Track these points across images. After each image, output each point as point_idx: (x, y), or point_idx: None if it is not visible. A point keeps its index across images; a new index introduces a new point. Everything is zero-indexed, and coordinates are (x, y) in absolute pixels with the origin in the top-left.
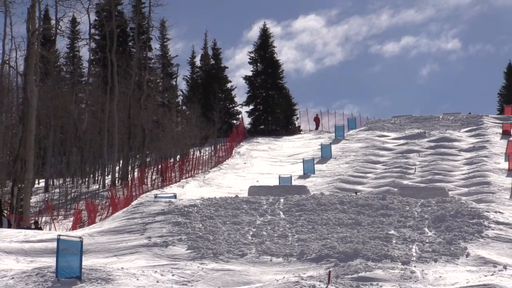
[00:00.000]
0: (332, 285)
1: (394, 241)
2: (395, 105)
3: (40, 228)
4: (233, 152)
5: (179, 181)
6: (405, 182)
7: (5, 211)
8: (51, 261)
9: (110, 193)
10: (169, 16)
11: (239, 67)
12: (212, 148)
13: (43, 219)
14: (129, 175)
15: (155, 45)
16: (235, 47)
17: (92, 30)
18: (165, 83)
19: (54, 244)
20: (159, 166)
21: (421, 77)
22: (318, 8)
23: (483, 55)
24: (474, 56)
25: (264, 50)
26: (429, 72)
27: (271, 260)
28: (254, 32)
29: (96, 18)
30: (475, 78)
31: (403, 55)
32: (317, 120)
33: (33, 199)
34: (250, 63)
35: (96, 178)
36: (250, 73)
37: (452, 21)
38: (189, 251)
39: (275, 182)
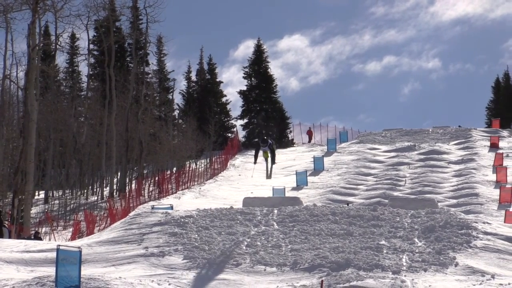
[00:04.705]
0: None
1: (385, 251)
2: (379, 122)
3: (40, 239)
4: (228, 165)
5: (175, 192)
6: (395, 193)
7: (6, 222)
8: (50, 271)
9: (108, 204)
10: (166, 32)
11: (226, 85)
12: (208, 161)
13: (43, 229)
14: (127, 187)
15: (152, 60)
16: (222, 66)
17: (91, 46)
18: (162, 97)
19: (53, 254)
20: (156, 178)
21: (403, 95)
22: (302, 28)
23: (463, 74)
24: (455, 75)
25: (258, 65)
26: (411, 90)
27: (265, 270)
28: (241, 51)
29: (95, 34)
30: (456, 95)
31: (385, 74)
32: (310, 133)
33: (33, 210)
34: (244, 77)
35: (95, 190)
36: (245, 87)
37: (433, 41)
38: (185, 260)
39: (269, 193)
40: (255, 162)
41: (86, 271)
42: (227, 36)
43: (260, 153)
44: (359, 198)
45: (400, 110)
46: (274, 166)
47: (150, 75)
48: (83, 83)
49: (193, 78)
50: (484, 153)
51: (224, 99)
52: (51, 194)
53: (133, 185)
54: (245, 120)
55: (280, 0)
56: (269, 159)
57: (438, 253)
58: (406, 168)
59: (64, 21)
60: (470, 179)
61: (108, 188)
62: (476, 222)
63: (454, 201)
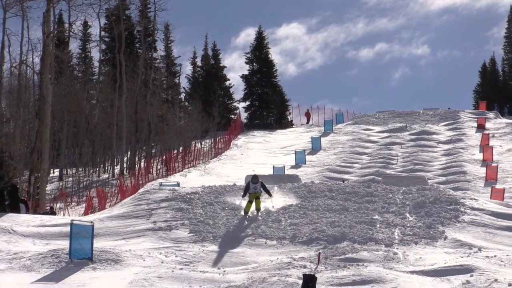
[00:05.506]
0: (321, 266)
1: (378, 225)
2: (372, 104)
3: (55, 214)
4: (231, 144)
5: (182, 170)
6: (388, 171)
7: (23, 198)
8: (65, 244)
9: (118, 181)
10: (173, 20)
11: (228, 70)
12: (212, 141)
13: (58, 205)
14: (136, 165)
15: (160, 46)
16: (224, 52)
17: (102, 33)
18: (169, 81)
19: (67, 228)
20: (164, 157)
21: (394, 80)
22: (299, 17)
23: (451, 60)
24: (443, 60)
25: (259, 51)
26: (401, 75)
27: (266, 243)
28: (242, 39)
29: (106, 21)
30: (444, 80)
31: (377, 60)
32: (308, 115)
33: (49, 187)
34: (246, 63)
35: (106, 168)
36: (247, 72)
37: (422, 29)
38: (191, 234)
39: (269, 171)
40: (243, 196)
41: (98, 244)
42: (229, 24)
43: (260, 134)
44: (354, 176)
45: (391, 94)
46: (274, 145)
47: (158, 61)
48: (95, 68)
49: (198, 63)
50: (472, 134)
51: (227, 83)
52: (65, 172)
53: (142, 164)
54: (247, 103)
55: None
56: (259, 201)
57: (428, 227)
58: (398, 148)
59: (77, 9)
60: (458, 158)
61: (118, 166)
62: (464, 198)
63: (443, 178)
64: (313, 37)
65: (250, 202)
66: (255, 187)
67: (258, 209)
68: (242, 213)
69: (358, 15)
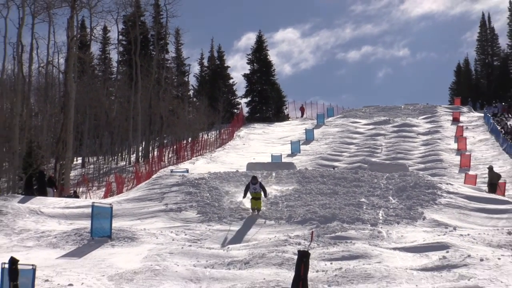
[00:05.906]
0: (314, 243)
1: (364, 207)
2: (358, 100)
3: (78, 197)
4: (234, 135)
5: (190, 158)
6: (373, 159)
7: (53, 179)
8: (87, 224)
9: (134, 168)
10: (182, 25)
11: (231, 70)
12: (217, 132)
13: (80, 189)
14: (150, 154)
15: (171, 48)
16: (228, 54)
17: (120, 37)
18: (179, 79)
19: (89, 210)
20: (174, 147)
21: (378, 79)
22: (294, 23)
23: (429, 61)
24: (421, 61)
25: (259, 53)
26: (385, 74)
27: (265, 223)
28: (243, 42)
29: (123, 27)
30: (423, 78)
31: (363, 61)
32: (302, 109)
33: (72, 173)
34: (247, 63)
35: (123, 156)
36: (248, 71)
37: (403, 34)
38: (198, 215)
39: (268, 159)
40: (244, 197)
41: (116, 223)
42: (232, 29)
43: (260, 126)
44: (343, 163)
45: (376, 91)
46: (272, 136)
47: (169, 61)
48: (113, 68)
49: (205, 63)
50: (448, 126)
51: (231, 81)
52: (87, 160)
53: (155, 153)
54: (249, 98)
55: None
56: (259, 201)
57: (409, 208)
58: (382, 138)
59: (98, 16)
60: (435, 147)
61: (134, 155)
62: (441, 183)
63: (422, 165)
64: (306, 41)
65: (254, 199)
66: (254, 187)
67: (258, 209)
68: (250, 210)
69: (346, 21)
